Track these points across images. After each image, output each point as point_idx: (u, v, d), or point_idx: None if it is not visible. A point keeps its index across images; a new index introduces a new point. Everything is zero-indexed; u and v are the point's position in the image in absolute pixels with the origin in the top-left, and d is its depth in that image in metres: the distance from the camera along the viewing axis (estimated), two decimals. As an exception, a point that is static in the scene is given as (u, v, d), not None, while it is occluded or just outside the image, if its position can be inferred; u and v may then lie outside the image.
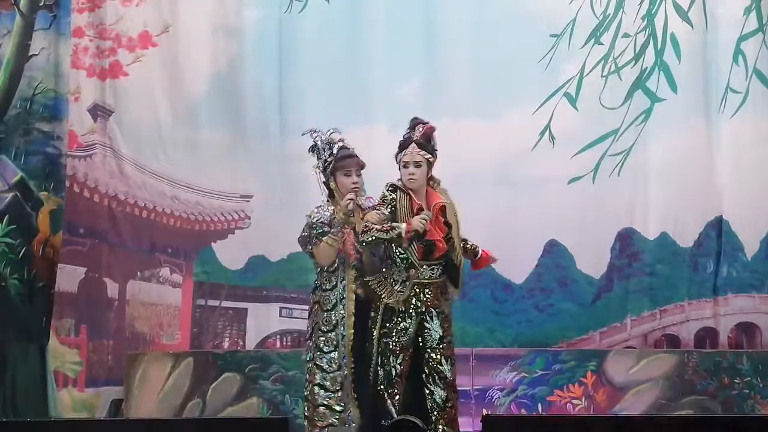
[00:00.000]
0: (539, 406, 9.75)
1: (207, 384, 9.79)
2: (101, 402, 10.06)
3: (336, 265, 7.59)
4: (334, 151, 7.68)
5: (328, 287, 7.60)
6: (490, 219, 9.78)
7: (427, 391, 7.48)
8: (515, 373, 9.77)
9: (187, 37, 10.38)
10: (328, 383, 7.54)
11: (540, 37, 10.17)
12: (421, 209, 7.44)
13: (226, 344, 10.28)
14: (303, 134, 7.87)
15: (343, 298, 7.58)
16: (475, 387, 9.63)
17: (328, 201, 7.69)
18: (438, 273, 7.53)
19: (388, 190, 7.51)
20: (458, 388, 7.67)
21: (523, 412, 9.67)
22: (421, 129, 7.56)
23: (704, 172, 10.18)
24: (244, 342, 10.25)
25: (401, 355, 7.45)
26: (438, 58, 10.29)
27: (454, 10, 10.27)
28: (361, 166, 7.71)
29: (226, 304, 10.29)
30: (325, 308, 7.58)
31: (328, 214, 7.58)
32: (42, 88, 10.47)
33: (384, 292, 7.46)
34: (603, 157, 10.13)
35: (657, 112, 10.17)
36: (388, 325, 7.47)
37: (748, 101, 10.15)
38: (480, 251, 7.75)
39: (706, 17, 10.18)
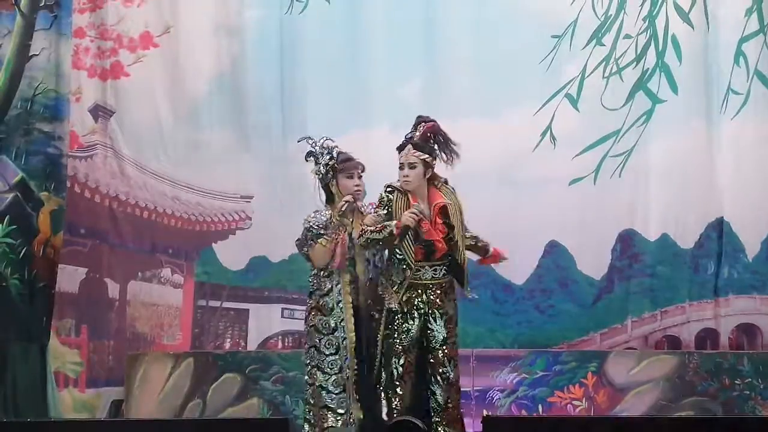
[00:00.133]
0: (540, 407, 9.75)
1: (207, 384, 9.79)
2: (102, 402, 10.06)
3: (331, 268, 7.61)
4: (334, 155, 7.70)
5: (324, 292, 7.62)
6: (491, 219, 9.73)
7: (430, 392, 7.47)
8: (516, 374, 9.77)
9: (188, 38, 10.38)
10: (330, 386, 7.55)
11: (541, 38, 10.17)
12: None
13: (227, 345, 10.28)
14: (299, 141, 7.89)
15: (340, 301, 7.60)
16: (475, 388, 9.63)
17: (326, 206, 7.72)
18: (441, 274, 7.51)
19: (385, 192, 7.51)
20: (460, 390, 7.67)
21: (524, 413, 9.67)
22: (421, 128, 7.55)
23: (705, 174, 10.18)
24: (246, 343, 10.25)
25: (403, 356, 7.43)
26: (439, 58, 10.29)
27: (454, 9, 10.26)
28: (362, 168, 7.74)
29: (227, 304, 10.30)
30: (324, 312, 7.60)
31: (325, 218, 7.61)
32: (43, 88, 10.47)
33: (385, 294, 7.46)
34: (604, 158, 10.12)
35: (658, 114, 10.17)
36: (390, 326, 7.46)
37: (749, 102, 10.15)
38: (491, 249, 7.72)
39: (707, 18, 10.18)
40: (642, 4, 10.20)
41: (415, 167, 7.46)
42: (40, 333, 10.18)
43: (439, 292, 7.51)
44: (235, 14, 10.39)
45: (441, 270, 7.51)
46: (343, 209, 7.58)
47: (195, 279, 10.34)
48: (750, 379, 9.68)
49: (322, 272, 7.64)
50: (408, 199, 7.46)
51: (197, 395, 9.77)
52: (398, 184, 7.53)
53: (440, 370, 7.47)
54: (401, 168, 7.50)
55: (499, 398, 9.73)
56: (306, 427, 7.65)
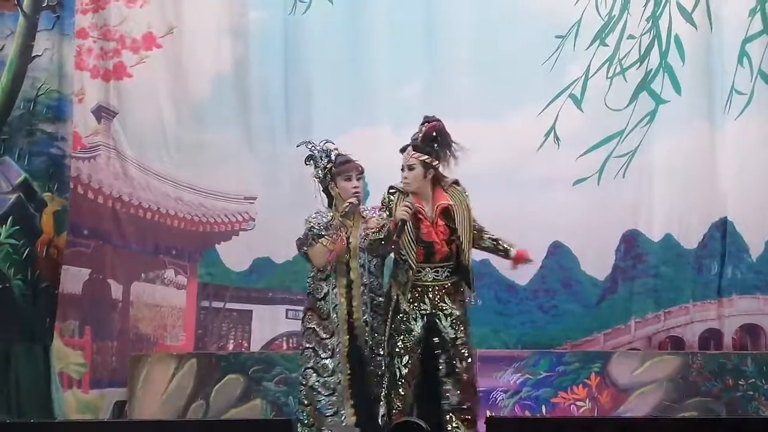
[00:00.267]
0: (543, 407, 9.75)
1: (210, 386, 9.79)
2: (105, 403, 10.05)
3: (328, 271, 7.60)
4: (333, 157, 7.71)
5: (320, 295, 7.64)
6: (495, 220, 9.62)
7: (442, 393, 7.45)
8: (519, 374, 9.77)
9: (191, 39, 10.37)
10: (321, 387, 7.56)
11: (545, 38, 10.16)
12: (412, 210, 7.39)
13: (230, 346, 10.28)
14: (297, 146, 7.90)
15: (336, 305, 7.61)
16: (478, 388, 9.61)
17: (327, 209, 7.71)
18: (444, 276, 7.49)
19: (388, 193, 7.50)
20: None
21: (527, 413, 9.67)
22: (423, 129, 7.53)
23: (709, 174, 10.17)
24: (249, 344, 10.25)
25: (406, 356, 7.43)
26: (442, 59, 10.28)
27: (458, 10, 10.25)
28: (361, 170, 7.73)
29: (230, 305, 10.29)
30: (322, 316, 7.62)
31: (326, 219, 7.61)
32: (45, 89, 10.46)
33: (395, 293, 7.45)
34: (608, 158, 10.12)
35: (662, 114, 10.17)
36: (394, 326, 7.46)
37: (753, 103, 10.14)
38: (513, 252, 7.63)
39: (710, 19, 10.17)
40: (645, 5, 10.19)
41: (413, 169, 7.44)
42: (43, 333, 10.18)
43: (442, 293, 7.48)
44: (238, 15, 10.38)
45: (444, 272, 7.49)
46: (346, 210, 7.57)
47: (198, 280, 10.33)
48: (753, 380, 9.68)
49: (319, 274, 7.65)
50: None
51: (200, 396, 9.78)
52: (401, 185, 7.52)
53: (452, 371, 7.44)
54: (402, 170, 7.49)
55: (503, 399, 9.73)
56: (299, 427, 7.66)
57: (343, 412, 7.55)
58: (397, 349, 7.44)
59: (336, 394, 7.56)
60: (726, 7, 10.19)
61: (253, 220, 10.28)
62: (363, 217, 7.67)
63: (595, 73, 10.16)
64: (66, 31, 10.46)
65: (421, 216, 7.42)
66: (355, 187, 7.67)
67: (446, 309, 7.48)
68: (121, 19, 10.36)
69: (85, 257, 10.21)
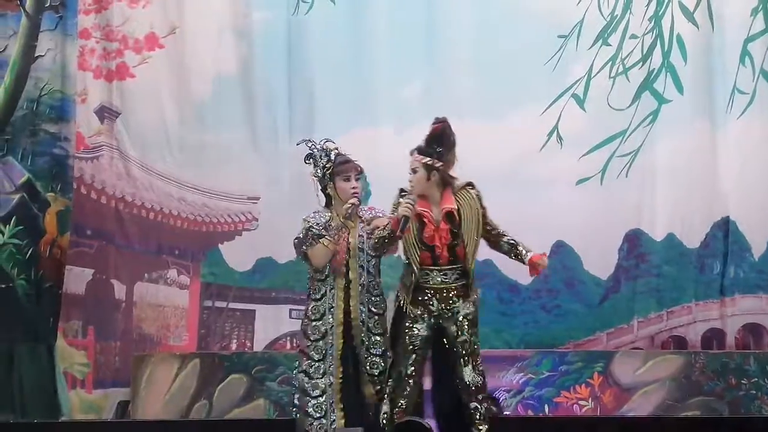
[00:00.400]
0: (546, 407, 9.76)
1: (214, 385, 9.79)
2: (108, 403, 10.06)
3: (327, 272, 7.60)
4: (332, 157, 7.66)
5: (317, 296, 7.62)
6: (497, 220, 9.66)
7: (459, 374, 7.43)
8: (522, 374, 9.77)
9: (193, 39, 10.37)
10: (310, 389, 7.55)
11: (547, 38, 10.17)
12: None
13: (233, 346, 10.29)
14: (298, 144, 7.86)
15: (332, 307, 7.59)
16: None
17: (324, 209, 7.70)
18: (453, 278, 7.45)
19: (399, 195, 7.46)
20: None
21: (530, 413, 9.68)
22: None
23: (711, 173, 10.18)
24: (252, 344, 10.26)
25: (411, 356, 7.41)
26: (443, 59, 10.28)
27: (462, 10, 10.25)
28: (360, 171, 7.70)
29: (233, 305, 10.30)
30: (313, 318, 7.60)
31: (324, 219, 7.59)
32: (48, 89, 10.47)
33: (402, 295, 7.46)
34: (611, 158, 10.13)
35: (664, 114, 10.17)
36: (400, 327, 7.46)
37: (755, 102, 10.16)
38: (527, 259, 7.49)
39: (712, 18, 10.18)
40: (648, 5, 10.20)
41: (416, 171, 7.41)
42: (47, 333, 10.18)
43: (450, 296, 7.45)
44: (241, 15, 10.38)
45: (452, 275, 7.45)
46: (348, 212, 7.57)
47: (201, 280, 10.34)
48: (756, 379, 9.68)
49: (317, 275, 7.64)
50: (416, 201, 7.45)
51: (203, 396, 9.78)
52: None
53: (466, 363, 7.44)
54: (409, 173, 7.48)
55: (506, 398, 9.72)
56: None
57: (332, 415, 7.55)
58: (404, 349, 7.44)
59: (325, 396, 7.55)
60: (728, 7, 10.21)
61: (256, 220, 10.29)
62: (360, 218, 7.65)
63: (598, 72, 10.17)
64: (69, 31, 10.47)
65: (426, 219, 7.40)
66: (353, 188, 7.62)
67: (456, 309, 7.45)
68: (123, 20, 10.37)
69: (88, 257, 10.22)
